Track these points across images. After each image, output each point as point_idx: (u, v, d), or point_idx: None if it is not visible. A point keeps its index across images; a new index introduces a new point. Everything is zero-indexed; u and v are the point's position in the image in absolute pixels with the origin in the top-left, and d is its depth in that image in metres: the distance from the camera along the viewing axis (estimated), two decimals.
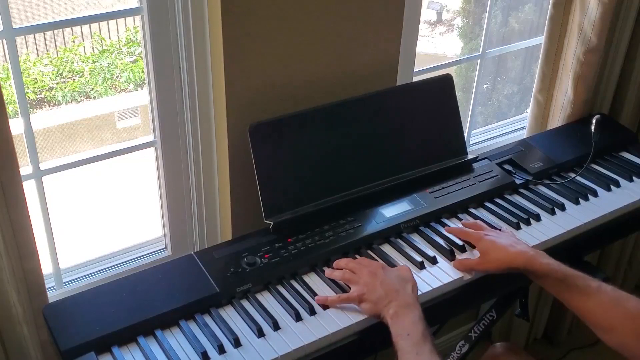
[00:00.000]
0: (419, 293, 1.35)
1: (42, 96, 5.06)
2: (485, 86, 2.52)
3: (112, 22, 5.37)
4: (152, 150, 1.63)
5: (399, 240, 1.52)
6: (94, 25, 5.32)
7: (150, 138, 1.62)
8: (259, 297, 1.37)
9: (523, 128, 2.26)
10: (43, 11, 5.67)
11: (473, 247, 1.49)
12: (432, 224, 1.58)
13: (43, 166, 1.50)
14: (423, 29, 5.03)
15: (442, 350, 1.26)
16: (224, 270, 1.39)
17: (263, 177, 1.48)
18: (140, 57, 4.91)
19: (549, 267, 1.35)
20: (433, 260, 1.46)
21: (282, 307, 1.34)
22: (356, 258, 1.44)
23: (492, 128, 2.34)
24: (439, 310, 1.41)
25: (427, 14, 5.22)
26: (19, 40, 3.06)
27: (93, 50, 5.37)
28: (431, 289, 1.40)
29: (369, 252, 1.49)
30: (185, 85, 1.54)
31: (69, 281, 1.64)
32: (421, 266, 1.44)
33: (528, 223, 1.60)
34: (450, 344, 2.34)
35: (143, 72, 1.97)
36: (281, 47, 1.53)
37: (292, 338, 1.27)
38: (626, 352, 1.26)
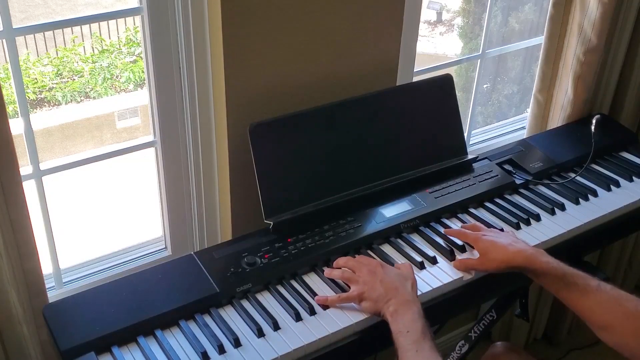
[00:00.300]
0: (419, 293, 1.36)
1: (42, 96, 5.07)
2: (485, 86, 2.52)
3: (112, 22, 5.37)
4: (152, 150, 1.63)
5: (399, 240, 1.52)
6: (94, 25, 5.32)
7: (150, 138, 1.62)
8: (259, 297, 1.37)
9: (523, 128, 2.26)
10: (43, 11, 5.68)
11: (473, 247, 1.49)
12: (432, 224, 1.58)
13: (43, 166, 1.50)
14: (423, 29, 5.03)
15: (442, 350, 1.26)
16: (224, 270, 1.39)
17: (263, 177, 1.48)
18: (140, 57, 4.91)
19: (549, 266, 1.35)
20: (433, 260, 1.46)
21: (282, 307, 1.34)
22: (355, 257, 1.44)
23: (492, 128, 2.35)
24: (439, 310, 1.41)
25: (427, 14, 5.22)
26: (19, 40, 3.06)
27: (93, 50, 5.37)
28: (431, 289, 1.40)
29: (369, 252, 1.49)
30: (185, 85, 1.54)
31: (69, 281, 1.64)
32: (421, 266, 1.44)
33: (528, 223, 1.60)
34: (450, 344, 2.34)
35: (143, 72, 1.97)
36: (281, 47, 1.53)
37: (292, 338, 1.27)
38: (625, 352, 1.26)
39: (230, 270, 1.39)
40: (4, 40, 1.35)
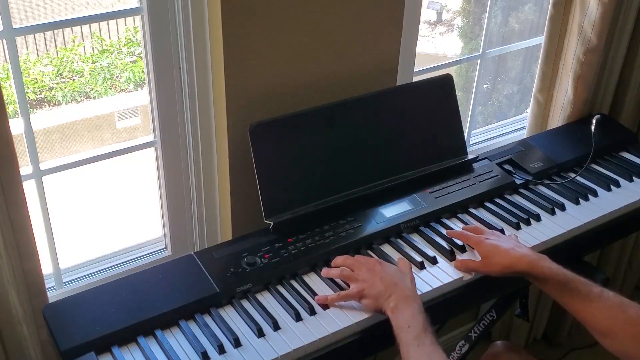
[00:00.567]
0: (419, 293, 1.36)
1: (42, 96, 5.07)
2: (485, 86, 2.52)
3: (112, 22, 5.37)
4: (152, 150, 1.63)
5: (399, 240, 1.52)
6: (94, 25, 5.32)
7: (150, 138, 1.62)
8: (259, 297, 1.37)
9: (523, 128, 2.26)
10: (43, 11, 5.68)
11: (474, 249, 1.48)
12: (432, 224, 1.58)
13: (43, 166, 1.50)
14: (423, 29, 5.03)
15: None
16: (224, 270, 1.39)
17: (263, 177, 1.48)
18: (140, 57, 4.91)
19: (551, 271, 1.34)
20: (433, 260, 1.46)
21: (282, 307, 1.34)
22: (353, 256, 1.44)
23: (492, 128, 2.34)
24: (439, 310, 1.41)
25: (427, 14, 5.22)
26: (19, 40, 3.06)
27: (93, 50, 5.37)
28: (431, 289, 1.40)
29: (369, 252, 1.49)
30: (185, 85, 1.54)
31: (69, 281, 1.64)
32: (421, 266, 1.44)
33: (528, 223, 1.60)
34: (450, 344, 2.33)
35: (143, 72, 1.97)
36: (281, 47, 1.53)
37: (292, 338, 1.27)
38: (626, 358, 1.26)
39: (230, 270, 1.39)
40: (4, 40, 1.35)
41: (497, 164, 1.77)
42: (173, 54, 1.50)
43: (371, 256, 1.47)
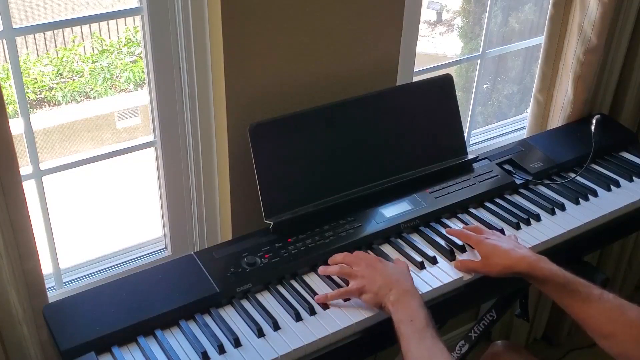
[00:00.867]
0: (419, 293, 1.35)
1: (42, 96, 5.07)
2: (485, 86, 2.52)
3: (112, 22, 5.37)
4: (152, 150, 1.63)
5: (399, 240, 1.52)
6: (94, 25, 5.33)
7: (150, 138, 1.62)
8: (259, 297, 1.37)
9: (523, 128, 2.26)
10: (43, 11, 5.68)
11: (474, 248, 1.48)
12: (432, 224, 1.58)
13: (43, 166, 1.50)
14: (423, 29, 5.03)
15: None
16: (224, 270, 1.39)
17: (263, 177, 1.48)
18: (140, 57, 4.91)
19: (552, 273, 1.34)
20: (433, 260, 1.46)
21: (282, 307, 1.34)
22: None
23: (492, 128, 2.35)
24: (439, 310, 1.41)
25: (427, 14, 5.23)
26: (19, 40, 3.06)
27: (93, 50, 5.38)
28: (431, 289, 1.40)
29: (369, 252, 1.48)
30: (185, 85, 1.54)
31: (69, 281, 1.64)
32: (421, 266, 1.44)
33: (528, 223, 1.60)
34: (450, 344, 2.33)
35: (143, 72, 1.97)
36: (281, 47, 1.53)
37: (292, 338, 1.27)
38: None
39: (230, 270, 1.39)
40: (4, 40, 1.35)
41: (497, 164, 1.77)
42: (173, 54, 1.50)
43: None
